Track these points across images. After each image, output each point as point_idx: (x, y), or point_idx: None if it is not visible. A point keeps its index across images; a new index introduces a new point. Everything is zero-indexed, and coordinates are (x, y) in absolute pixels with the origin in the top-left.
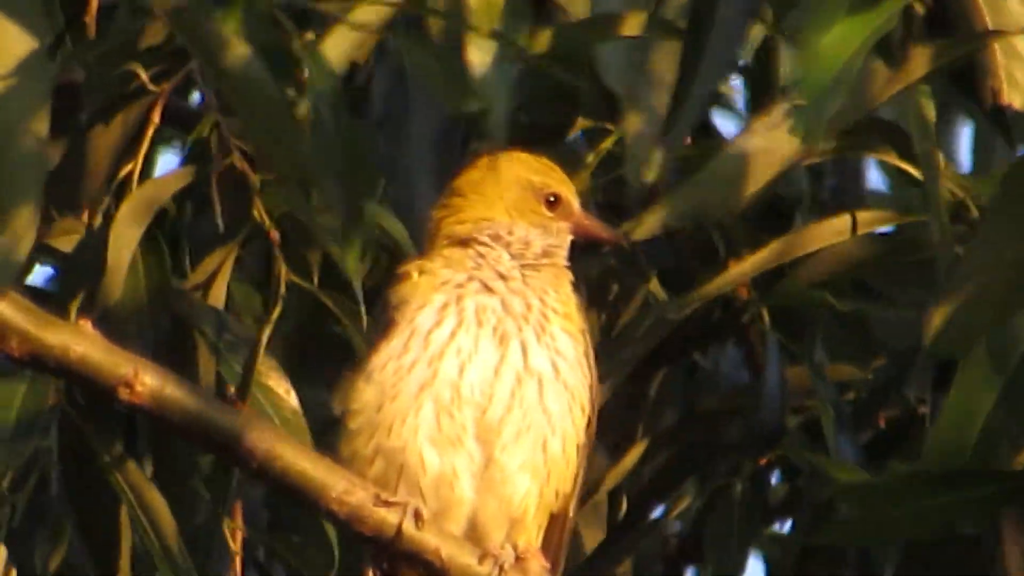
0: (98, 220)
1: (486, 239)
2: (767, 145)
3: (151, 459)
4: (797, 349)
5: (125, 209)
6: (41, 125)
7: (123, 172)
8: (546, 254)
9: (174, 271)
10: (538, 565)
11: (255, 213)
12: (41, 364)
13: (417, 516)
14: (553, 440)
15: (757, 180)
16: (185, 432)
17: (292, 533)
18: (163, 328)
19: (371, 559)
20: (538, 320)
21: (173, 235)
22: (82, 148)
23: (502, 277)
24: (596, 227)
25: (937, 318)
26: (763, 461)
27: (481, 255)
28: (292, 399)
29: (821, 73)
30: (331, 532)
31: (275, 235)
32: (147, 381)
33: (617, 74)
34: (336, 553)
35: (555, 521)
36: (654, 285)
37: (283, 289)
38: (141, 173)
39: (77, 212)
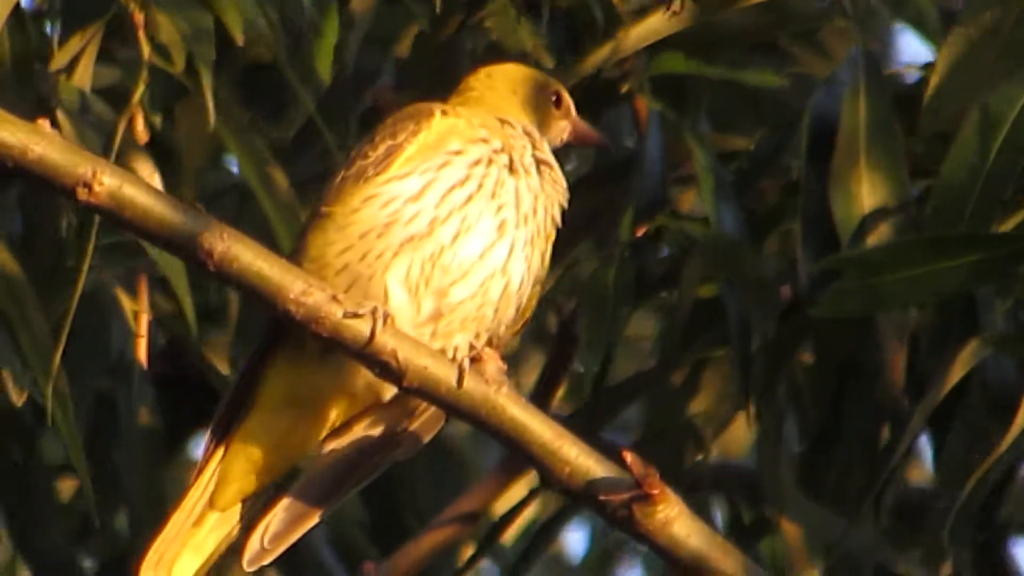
0: None
1: (518, 125)
2: None
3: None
4: (681, 119)
5: None
6: None
7: None
8: (545, 163)
9: (39, 53)
10: (494, 366)
11: None
12: None
13: (385, 319)
14: (488, 332)
15: None
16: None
17: None
18: (27, 106)
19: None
20: (535, 229)
21: (39, 17)
22: None
23: (523, 166)
24: (589, 130)
25: (928, 88)
26: (643, 230)
27: (512, 135)
28: (156, 182)
29: None
30: None
31: (139, 17)
32: (105, 181)
33: None
34: None
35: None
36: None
37: (145, 72)
38: None
39: None
